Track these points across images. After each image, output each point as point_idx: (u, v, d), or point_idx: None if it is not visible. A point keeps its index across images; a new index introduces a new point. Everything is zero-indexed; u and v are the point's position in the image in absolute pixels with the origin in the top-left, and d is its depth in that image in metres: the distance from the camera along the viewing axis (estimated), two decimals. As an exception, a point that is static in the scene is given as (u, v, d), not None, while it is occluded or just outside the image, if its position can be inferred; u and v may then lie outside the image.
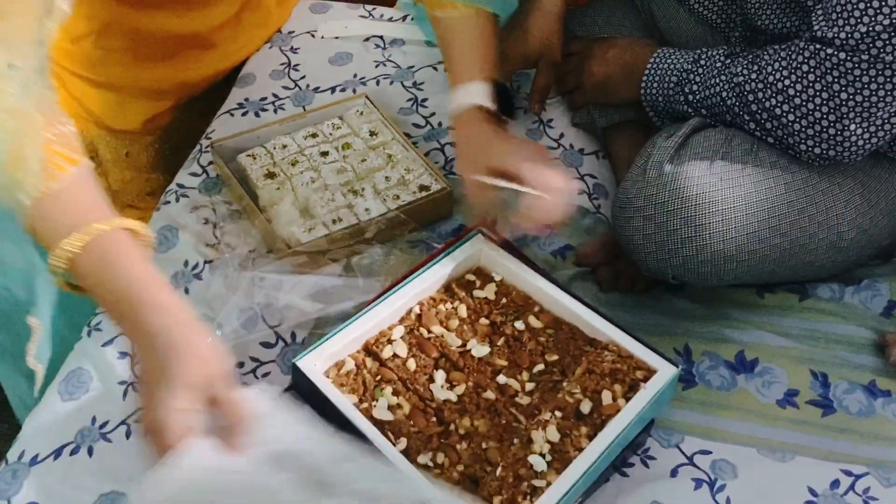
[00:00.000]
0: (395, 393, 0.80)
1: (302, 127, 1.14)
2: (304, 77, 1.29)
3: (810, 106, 0.87)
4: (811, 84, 0.86)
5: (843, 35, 0.83)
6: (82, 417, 0.87)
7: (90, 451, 0.85)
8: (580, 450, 0.74)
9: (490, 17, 0.97)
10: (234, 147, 1.11)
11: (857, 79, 0.84)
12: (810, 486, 0.83)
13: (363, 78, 1.28)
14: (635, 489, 0.82)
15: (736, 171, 0.88)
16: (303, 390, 0.81)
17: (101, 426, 0.87)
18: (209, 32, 1.22)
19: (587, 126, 1.20)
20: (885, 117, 0.86)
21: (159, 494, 0.64)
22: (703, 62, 0.98)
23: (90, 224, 0.69)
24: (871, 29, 0.81)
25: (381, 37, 1.36)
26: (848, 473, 0.85)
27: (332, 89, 1.26)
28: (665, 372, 0.80)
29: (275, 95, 1.25)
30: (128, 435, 0.86)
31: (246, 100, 1.24)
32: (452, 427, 0.78)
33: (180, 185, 1.11)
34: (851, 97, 0.85)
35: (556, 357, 0.83)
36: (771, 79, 0.89)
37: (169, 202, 1.09)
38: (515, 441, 0.76)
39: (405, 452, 0.75)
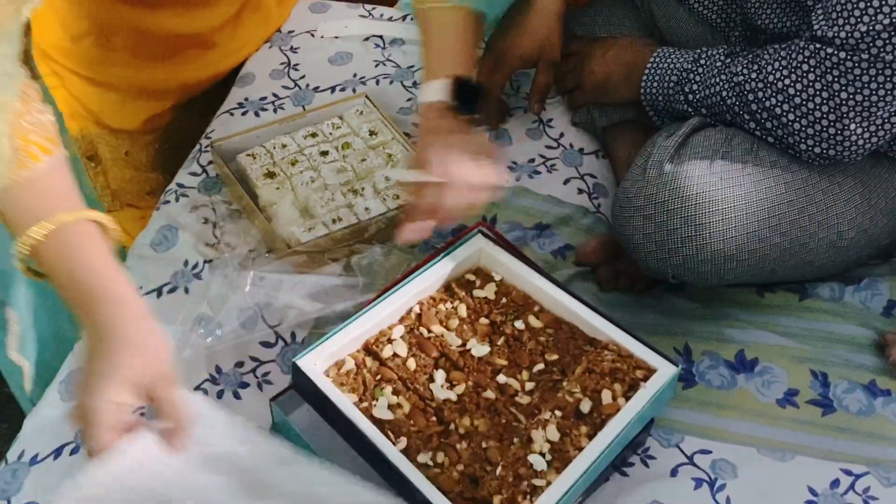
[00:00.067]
0: (395, 392, 0.80)
1: (302, 126, 1.14)
2: (303, 77, 1.29)
3: (810, 105, 0.87)
4: (811, 83, 0.86)
5: (843, 34, 0.83)
6: (82, 417, 0.87)
7: (90, 451, 0.85)
8: (580, 449, 0.74)
9: (472, 14, 0.97)
10: (233, 147, 1.11)
11: (857, 78, 0.84)
12: (810, 485, 0.83)
13: (363, 77, 1.28)
14: (635, 489, 0.82)
15: (736, 171, 0.88)
16: (303, 390, 0.81)
17: (101, 426, 0.86)
18: (209, 32, 1.22)
19: (587, 125, 1.20)
20: (884, 117, 0.86)
21: (87, 493, 0.64)
22: (703, 62, 0.98)
23: (57, 214, 0.69)
24: (871, 28, 0.81)
25: (380, 36, 1.36)
26: (848, 473, 0.85)
27: (332, 89, 1.26)
28: (665, 371, 0.80)
29: (274, 95, 1.25)
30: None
31: (246, 99, 1.24)
32: (452, 426, 0.77)
33: (180, 185, 1.11)
34: (851, 96, 0.85)
35: (555, 356, 0.83)
36: (771, 78, 0.89)
37: (169, 202, 1.09)
38: (515, 440, 0.76)
39: (405, 452, 0.75)
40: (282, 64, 1.31)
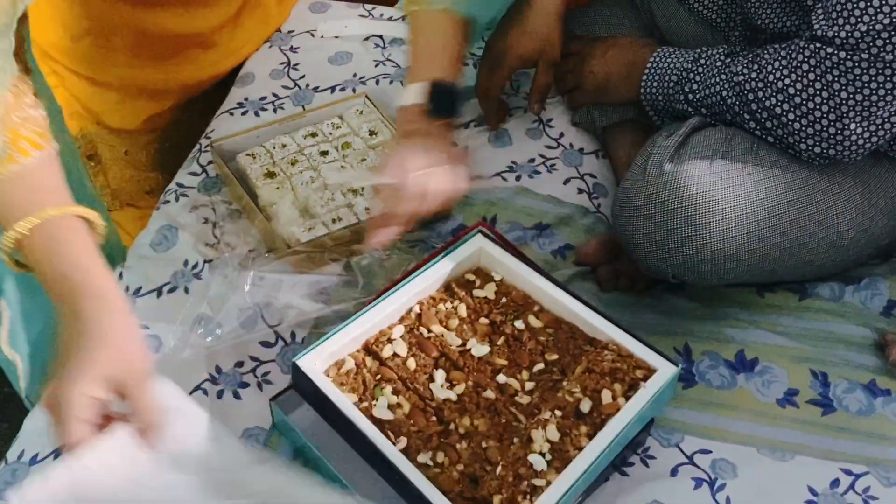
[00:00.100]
0: (395, 392, 0.80)
1: (301, 126, 1.14)
2: (303, 76, 1.29)
3: (810, 105, 0.87)
4: (811, 83, 0.86)
5: (843, 34, 0.83)
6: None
7: (90, 451, 0.84)
8: (580, 449, 0.74)
9: (460, 19, 0.97)
10: (233, 146, 1.11)
11: (857, 78, 0.84)
12: (810, 485, 0.83)
13: (363, 77, 1.28)
14: (635, 488, 0.82)
15: (736, 171, 0.88)
16: (303, 389, 0.81)
17: (101, 426, 0.86)
18: (209, 32, 1.22)
19: (587, 125, 1.20)
20: (884, 116, 0.86)
21: (52, 490, 0.64)
22: (703, 61, 0.98)
23: (44, 209, 0.70)
24: (871, 28, 0.81)
25: (380, 36, 1.36)
26: (848, 472, 0.85)
27: (332, 89, 1.26)
28: (665, 371, 0.80)
29: (274, 95, 1.25)
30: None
31: (245, 99, 1.24)
32: (452, 426, 0.77)
33: (180, 185, 1.11)
34: (851, 96, 0.85)
35: (555, 356, 0.83)
36: (771, 78, 0.89)
37: (168, 201, 1.09)
38: (515, 440, 0.76)
39: (405, 451, 0.75)
40: (282, 64, 1.31)
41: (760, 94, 0.90)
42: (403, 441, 0.76)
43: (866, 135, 0.87)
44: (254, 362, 0.92)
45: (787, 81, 0.88)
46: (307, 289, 0.97)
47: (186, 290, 0.98)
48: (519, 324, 0.86)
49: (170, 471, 0.69)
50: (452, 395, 0.80)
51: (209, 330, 0.93)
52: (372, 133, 1.14)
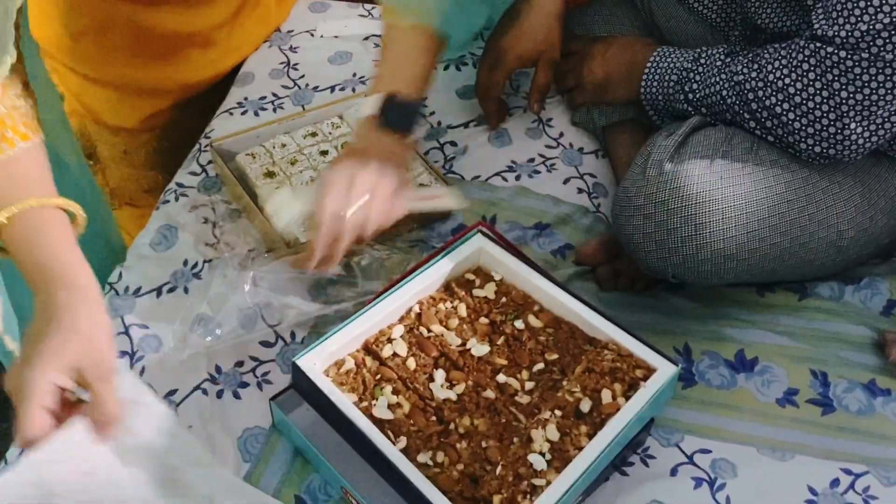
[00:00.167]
0: (395, 392, 0.80)
1: (301, 126, 1.14)
2: (303, 76, 1.29)
3: (810, 104, 0.87)
4: (811, 83, 0.86)
5: (843, 33, 0.83)
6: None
7: (89, 451, 0.84)
8: (580, 448, 0.74)
9: (432, 34, 0.96)
10: (233, 146, 1.11)
11: (857, 77, 0.84)
12: (810, 484, 0.83)
13: (362, 77, 1.28)
14: (635, 488, 0.82)
15: (736, 170, 0.88)
16: (302, 389, 0.81)
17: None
18: (209, 31, 1.22)
19: (587, 125, 1.20)
20: (884, 116, 0.86)
21: (10, 488, 0.65)
22: (703, 61, 0.98)
23: (26, 199, 0.71)
24: (871, 27, 0.81)
25: (380, 36, 1.36)
26: (848, 472, 0.84)
27: (332, 88, 1.26)
28: (665, 371, 0.80)
29: (274, 94, 1.25)
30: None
31: (245, 99, 1.24)
32: (452, 426, 0.77)
33: (179, 185, 1.11)
34: (851, 96, 0.85)
35: (555, 356, 0.83)
36: (771, 77, 0.89)
37: (168, 201, 1.09)
38: (515, 440, 0.76)
39: (405, 451, 0.75)
40: (281, 63, 1.31)
41: (760, 93, 0.90)
42: (403, 441, 0.76)
43: (866, 134, 0.87)
44: (253, 362, 0.92)
45: (787, 81, 0.88)
46: (307, 289, 0.97)
47: (186, 290, 0.98)
48: (519, 323, 0.86)
49: (123, 464, 0.70)
50: (452, 395, 0.80)
51: (209, 330, 0.93)
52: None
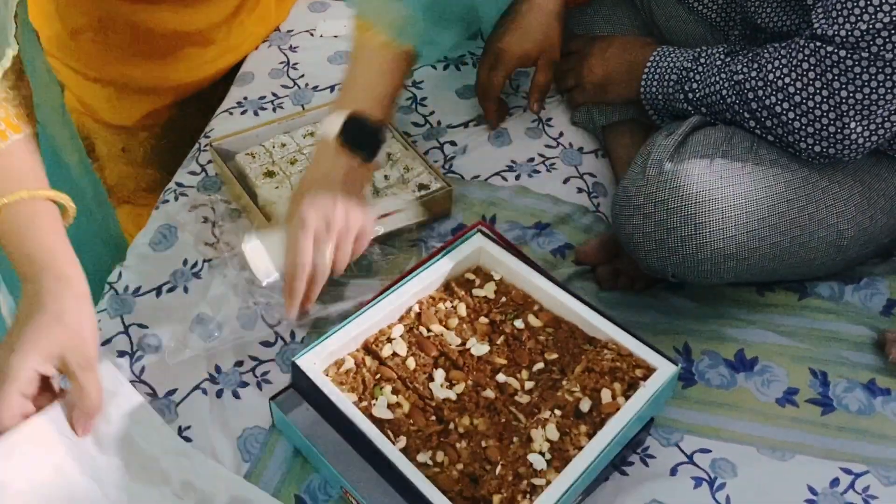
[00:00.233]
0: (395, 391, 0.80)
1: (301, 126, 1.14)
2: (303, 76, 1.29)
3: (810, 104, 0.87)
4: (811, 82, 0.86)
5: (843, 33, 0.83)
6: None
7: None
8: (580, 448, 0.74)
9: (402, 52, 0.94)
10: (233, 146, 1.11)
11: (857, 76, 0.84)
12: (810, 484, 0.83)
13: (362, 76, 1.28)
14: (635, 488, 0.82)
15: (736, 170, 0.88)
16: (302, 389, 0.81)
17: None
18: (207, 30, 1.22)
19: (586, 124, 1.20)
20: (884, 115, 0.86)
21: None
22: (703, 60, 0.98)
23: (16, 192, 0.73)
24: (871, 26, 0.81)
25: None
26: (847, 472, 0.84)
27: (332, 88, 1.26)
28: (664, 370, 0.80)
29: (274, 94, 1.25)
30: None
31: (245, 98, 1.24)
32: (452, 426, 0.77)
33: (179, 184, 1.11)
34: (851, 95, 0.85)
35: (555, 355, 0.83)
36: (771, 77, 0.89)
37: (168, 201, 1.09)
38: (515, 440, 0.76)
39: (405, 451, 0.75)
40: (281, 63, 1.31)
41: (760, 92, 0.90)
42: (403, 440, 0.76)
43: (866, 133, 0.87)
44: (253, 362, 0.92)
45: (786, 80, 0.88)
46: (307, 288, 0.97)
47: (186, 290, 0.98)
48: (518, 323, 0.86)
49: (100, 452, 0.72)
50: (452, 395, 0.80)
51: (209, 330, 0.93)
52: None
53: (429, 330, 0.85)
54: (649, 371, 0.80)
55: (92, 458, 0.72)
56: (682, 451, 0.86)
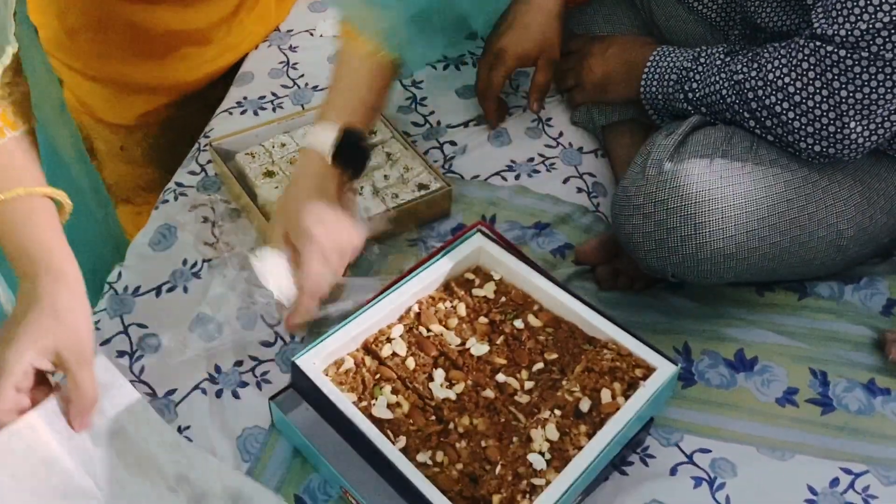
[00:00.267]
0: (395, 391, 0.80)
1: (301, 125, 1.14)
2: (302, 76, 1.28)
3: (810, 104, 0.87)
4: (811, 82, 0.86)
5: (842, 32, 0.83)
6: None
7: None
8: (579, 448, 0.74)
9: (388, 61, 0.94)
10: (232, 146, 1.11)
11: (857, 76, 0.84)
12: (810, 484, 0.83)
13: (362, 76, 1.28)
14: (634, 487, 0.82)
15: (736, 169, 0.88)
16: (302, 389, 0.80)
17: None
18: (206, 29, 1.22)
19: (586, 124, 1.20)
20: (884, 115, 0.86)
21: None
22: (703, 60, 0.98)
23: (13, 188, 0.73)
24: (870, 26, 0.81)
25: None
26: (847, 472, 0.84)
27: (331, 88, 1.26)
28: (664, 370, 0.80)
29: (273, 94, 1.25)
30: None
31: (244, 98, 1.24)
32: (452, 425, 0.77)
33: (179, 184, 1.11)
34: (851, 95, 0.85)
35: (555, 355, 0.83)
36: (771, 76, 0.89)
37: (167, 201, 1.09)
38: (515, 439, 0.76)
39: (404, 451, 0.74)
40: (281, 63, 1.31)
41: (760, 92, 0.90)
42: (403, 440, 0.76)
43: (866, 133, 0.87)
44: (253, 362, 0.92)
45: (786, 80, 0.88)
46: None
47: (186, 290, 0.98)
48: (518, 323, 0.86)
49: (94, 445, 0.72)
50: (452, 395, 0.80)
51: (209, 330, 0.93)
52: (371, 132, 1.13)
53: (428, 330, 0.85)
54: (649, 371, 0.80)
55: (86, 451, 0.72)
56: (682, 451, 0.86)
